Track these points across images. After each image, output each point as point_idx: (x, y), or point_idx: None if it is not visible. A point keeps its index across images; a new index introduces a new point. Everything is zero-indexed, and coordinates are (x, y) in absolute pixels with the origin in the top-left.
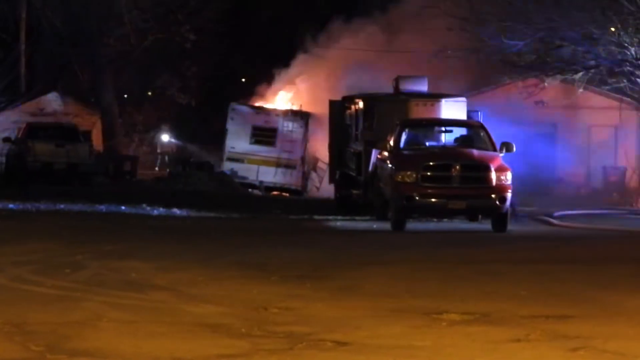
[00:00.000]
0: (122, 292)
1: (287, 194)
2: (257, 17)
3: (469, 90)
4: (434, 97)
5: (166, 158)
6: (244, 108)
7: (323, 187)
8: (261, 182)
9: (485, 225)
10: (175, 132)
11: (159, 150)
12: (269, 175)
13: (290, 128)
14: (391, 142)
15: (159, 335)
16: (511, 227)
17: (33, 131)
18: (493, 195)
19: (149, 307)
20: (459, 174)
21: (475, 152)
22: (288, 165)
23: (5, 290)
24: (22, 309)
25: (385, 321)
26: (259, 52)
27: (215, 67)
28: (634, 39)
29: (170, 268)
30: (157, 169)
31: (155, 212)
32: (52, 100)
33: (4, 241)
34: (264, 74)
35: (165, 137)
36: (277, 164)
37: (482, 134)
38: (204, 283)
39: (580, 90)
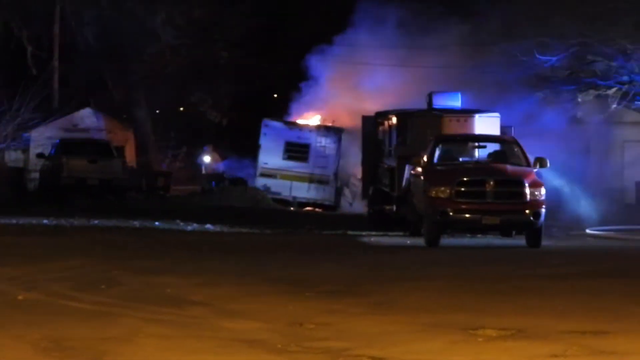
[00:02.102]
0: (159, 308)
1: (320, 210)
2: (289, 33)
3: (502, 105)
4: (468, 112)
5: (205, 176)
6: (277, 124)
7: (356, 202)
8: (294, 197)
9: (519, 240)
10: (216, 149)
11: (203, 172)
12: (302, 191)
13: (323, 144)
14: (425, 158)
15: (196, 351)
16: (545, 242)
17: (66, 147)
18: (527, 211)
19: (186, 322)
20: (493, 189)
21: (509, 167)
22: (321, 181)
23: (42, 306)
24: (59, 325)
25: (422, 336)
26: (291, 68)
27: (248, 83)
28: None
29: (206, 283)
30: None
31: (189, 227)
32: (86, 116)
33: (40, 257)
34: (296, 90)
35: (207, 158)
36: (310, 179)
37: (515, 149)
38: (239, 298)
39: (614, 105)
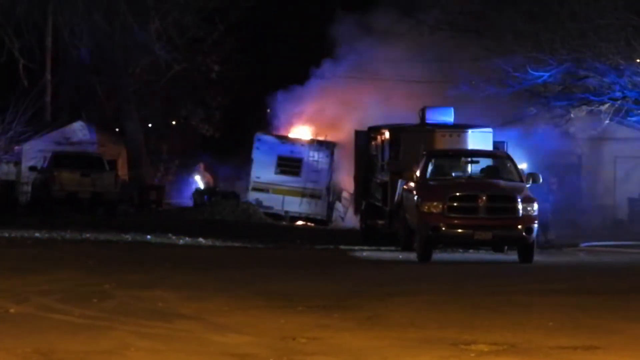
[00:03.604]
0: (149, 321)
1: (312, 224)
2: (281, 45)
3: (495, 120)
4: (460, 127)
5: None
6: (270, 138)
7: (348, 217)
8: (286, 212)
9: (511, 256)
10: (207, 168)
11: (194, 191)
12: (294, 205)
13: (315, 158)
14: (417, 173)
15: None
16: (537, 257)
17: (58, 160)
18: (520, 226)
19: (176, 336)
20: (486, 204)
21: (502, 182)
22: (313, 195)
23: (32, 319)
24: (49, 338)
25: (412, 351)
26: (283, 81)
27: (239, 97)
28: None
29: (196, 297)
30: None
31: (181, 241)
32: (78, 130)
33: (31, 270)
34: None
35: (198, 178)
36: (303, 194)
37: (508, 164)
38: (230, 312)
39: (606, 121)
